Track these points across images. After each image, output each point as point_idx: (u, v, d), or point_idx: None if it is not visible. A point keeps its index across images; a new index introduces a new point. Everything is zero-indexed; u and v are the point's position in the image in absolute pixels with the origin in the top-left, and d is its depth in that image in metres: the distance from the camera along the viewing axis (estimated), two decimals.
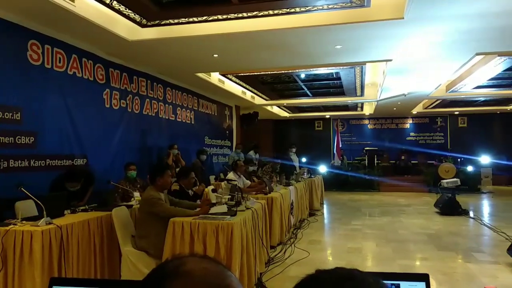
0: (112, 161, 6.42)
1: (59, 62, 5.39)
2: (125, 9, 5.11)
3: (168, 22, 5.52)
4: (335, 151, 15.39)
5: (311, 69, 8.50)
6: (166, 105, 8.33)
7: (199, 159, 8.71)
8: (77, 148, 5.71)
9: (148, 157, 7.56)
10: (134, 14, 5.30)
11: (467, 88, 10.61)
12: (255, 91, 11.39)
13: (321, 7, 5.01)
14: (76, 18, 4.69)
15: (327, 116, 17.00)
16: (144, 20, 5.49)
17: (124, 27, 5.49)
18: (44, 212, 3.40)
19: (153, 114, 7.81)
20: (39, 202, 3.46)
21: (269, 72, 8.76)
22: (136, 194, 5.27)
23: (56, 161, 5.22)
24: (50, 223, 3.39)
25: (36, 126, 4.99)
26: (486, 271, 4.65)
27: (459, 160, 14.09)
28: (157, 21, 5.52)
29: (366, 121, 17.38)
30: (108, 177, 5.45)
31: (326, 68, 8.31)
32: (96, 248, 3.92)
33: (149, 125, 7.65)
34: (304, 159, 14.11)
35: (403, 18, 4.83)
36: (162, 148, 8.02)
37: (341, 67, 8.26)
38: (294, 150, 10.81)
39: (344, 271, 0.68)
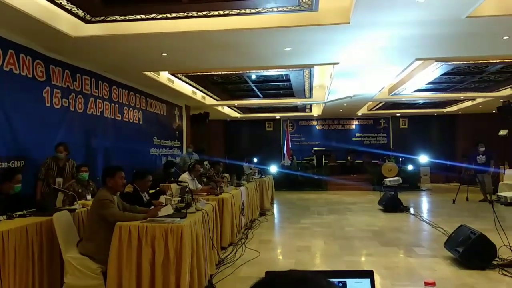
0: None
1: None
2: (68, 3, 4.87)
3: (114, 18, 5.33)
4: (285, 151, 15.64)
5: (262, 71, 8.58)
6: (112, 104, 8.03)
7: (166, 172, 8.19)
8: (14, 150, 5.35)
9: (93, 158, 7.23)
10: (77, 9, 5.05)
11: (408, 91, 11.23)
12: (206, 91, 11.30)
13: (271, 9, 5.06)
14: (13, 11, 4.39)
15: (278, 117, 17.25)
16: (88, 16, 5.25)
17: (67, 22, 5.22)
18: None
19: (98, 114, 7.49)
20: None
21: (220, 73, 8.72)
22: (89, 197, 5.07)
23: None
24: None
25: None
26: (425, 265, 4.92)
27: (400, 159, 14.84)
28: (102, 17, 5.31)
29: (315, 122, 17.83)
30: None
31: (276, 69, 8.43)
32: (35, 256, 3.68)
33: (93, 125, 7.34)
34: (255, 160, 14.23)
35: (349, 23, 5.01)
36: (109, 149, 7.74)
37: (291, 69, 8.40)
38: (251, 160, 11.13)
39: (298, 274, 0.69)
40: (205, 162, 9.10)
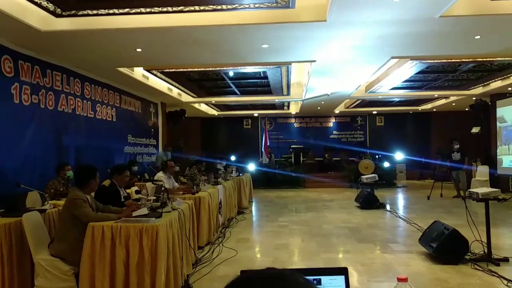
0: (22, 162, 5.87)
1: None
2: None
3: (86, 13, 5.17)
4: (263, 149, 15.64)
5: (239, 67, 8.52)
6: (84, 101, 7.81)
7: (129, 170, 8.26)
8: None
9: (64, 157, 7.02)
10: (47, 3, 4.88)
11: (384, 89, 11.39)
12: (182, 88, 11.16)
13: (247, 6, 5.02)
14: None
15: (256, 115, 17.23)
16: (59, 10, 5.08)
17: (36, 17, 5.04)
18: None
19: (70, 111, 7.27)
20: None
21: (196, 69, 8.62)
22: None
23: None
24: None
25: None
26: (400, 260, 4.99)
27: (377, 156, 15.06)
28: (73, 12, 5.14)
29: (293, 120, 17.90)
30: (19, 179, 4.98)
31: (254, 66, 8.39)
32: (4, 257, 3.56)
33: (65, 123, 7.12)
34: (233, 157, 14.18)
35: (325, 21, 5.02)
36: (81, 147, 7.54)
37: (268, 67, 8.38)
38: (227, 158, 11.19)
39: (275, 271, 0.69)
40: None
